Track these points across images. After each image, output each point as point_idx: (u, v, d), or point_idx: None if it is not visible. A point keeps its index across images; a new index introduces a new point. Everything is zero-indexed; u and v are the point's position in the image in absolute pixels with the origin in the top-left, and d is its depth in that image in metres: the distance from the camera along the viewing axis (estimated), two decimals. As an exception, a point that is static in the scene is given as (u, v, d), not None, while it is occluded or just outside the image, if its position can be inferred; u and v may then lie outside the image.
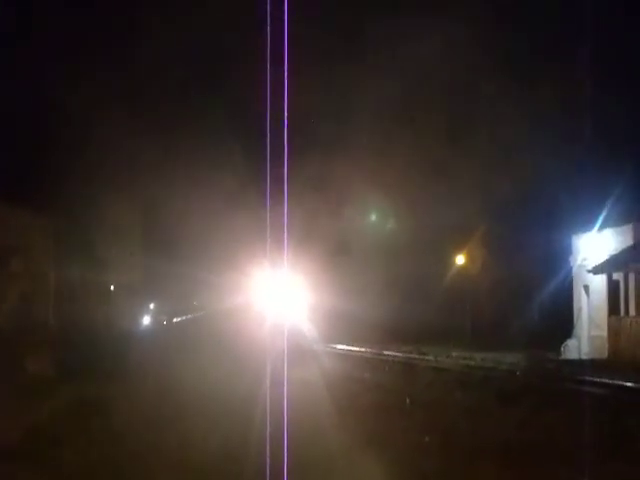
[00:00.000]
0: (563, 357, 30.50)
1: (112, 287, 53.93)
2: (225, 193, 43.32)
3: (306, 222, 36.51)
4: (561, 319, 34.75)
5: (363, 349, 33.36)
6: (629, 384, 18.41)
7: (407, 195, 41.23)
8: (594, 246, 31.68)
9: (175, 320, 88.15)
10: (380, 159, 40.64)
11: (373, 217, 45.87)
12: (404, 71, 39.61)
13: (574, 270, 33.92)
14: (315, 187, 37.33)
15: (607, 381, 19.02)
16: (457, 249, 45.05)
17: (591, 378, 19.44)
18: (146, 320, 70.50)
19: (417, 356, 30.23)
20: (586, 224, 32.07)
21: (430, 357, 29.39)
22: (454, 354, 31.02)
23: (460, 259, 44.67)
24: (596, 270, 30.71)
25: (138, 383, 18.28)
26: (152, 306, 76.78)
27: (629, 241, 30.08)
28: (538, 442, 11.41)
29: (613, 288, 29.87)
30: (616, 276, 29.83)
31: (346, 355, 31.22)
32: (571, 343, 31.95)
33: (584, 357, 29.90)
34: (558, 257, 35.53)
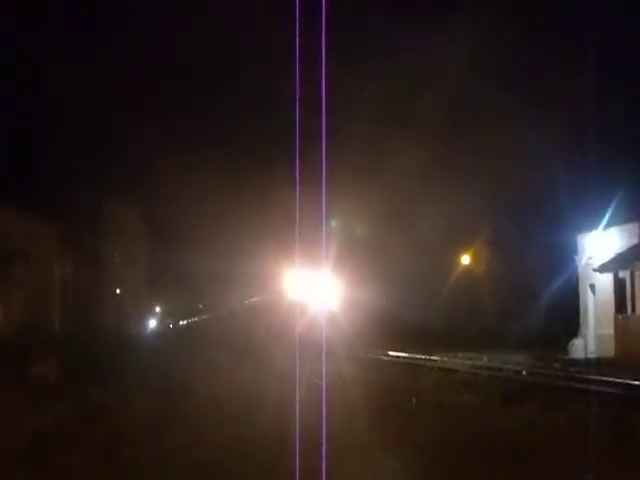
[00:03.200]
0: (570, 356, 30.39)
1: (118, 291, 53.87)
2: (239, 185, 43.29)
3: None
4: (567, 318, 34.67)
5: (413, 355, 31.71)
6: (636, 382, 18.31)
7: (419, 196, 41.22)
8: (600, 245, 31.60)
9: (182, 323, 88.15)
10: (380, 161, 40.68)
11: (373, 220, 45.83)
12: (406, 72, 39.63)
13: (580, 269, 33.84)
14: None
15: (613, 380, 18.93)
16: (462, 250, 45.02)
17: (597, 377, 19.36)
18: (152, 324, 70.63)
19: (422, 356, 30.14)
20: (591, 223, 31.99)
21: (435, 357, 29.34)
22: (459, 354, 30.97)
23: (465, 259, 44.62)
24: (602, 269, 30.63)
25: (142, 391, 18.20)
26: (158, 309, 76.93)
27: (635, 239, 29.99)
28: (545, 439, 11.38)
29: (619, 286, 29.79)
30: (622, 274, 29.75)
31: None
32: (577, 342, 31.83)
33: (590, 356, 29.79)
34: (564, 256, 35.45)
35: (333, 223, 43.27)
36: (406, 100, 40.86)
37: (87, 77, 39.68)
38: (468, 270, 45.21)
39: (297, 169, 11.36)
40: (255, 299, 63.38)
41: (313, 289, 39.53)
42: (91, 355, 25.87)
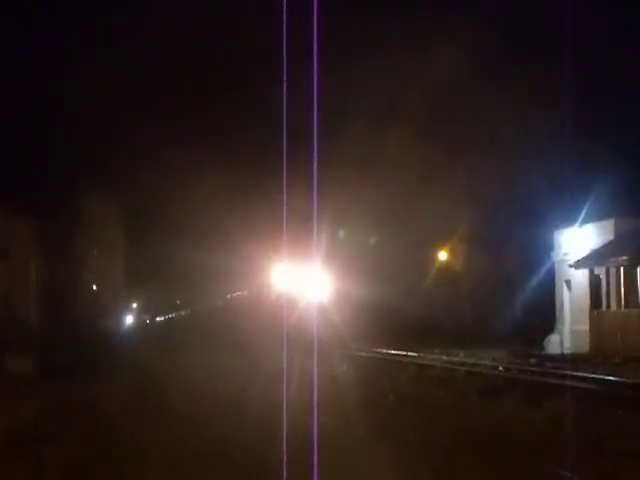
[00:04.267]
0: (545, 352, 30.61)
1: (95, 287, 53.58)
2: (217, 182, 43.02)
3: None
4: (544, 314, 34.91)
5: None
6: (610, 378, 18.50)
7: (396, 198, 41.30)
8: (576, 241, 31.84)
9: (158, 319, 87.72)
10: (361, 160, 40.72)
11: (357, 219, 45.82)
12: (382, 76, 39.70)
13: (556, 265, 34.09)
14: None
15: (586, 375, 19.13)
16: (440, 246, 45.18)
17: (571, 372, 19.52)
18: (129, 319, 70.31)
19: (400, 352, 30.24)
20: (568, 220, 32.23)
21: (413, 353, 29.44)
22: (436, 350, 31.10)
23: (443, 255, 44.80)
24: (577, 265, 30.87)
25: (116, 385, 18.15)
26: (135, 305, 76.59)
27: (610, 236, 30.25)
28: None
29: (594, 282, 30.04)
30: (597, 270, 30.00)
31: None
32: (553, 338, 32.08)
33: (566, 351, 30.01)
34: (541, 253, 35.70)
35: (341, 233, 43.60)
36: (384, 99, 40.93)
37: (57, 72, 39.36)
38: (446, 267, 45.38)
39: (284, 161, 11.29)
40: (239, 293, 62.53)
41: (300, 282, 39.37)
42: (64, 351, 25.74)
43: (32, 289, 37.49)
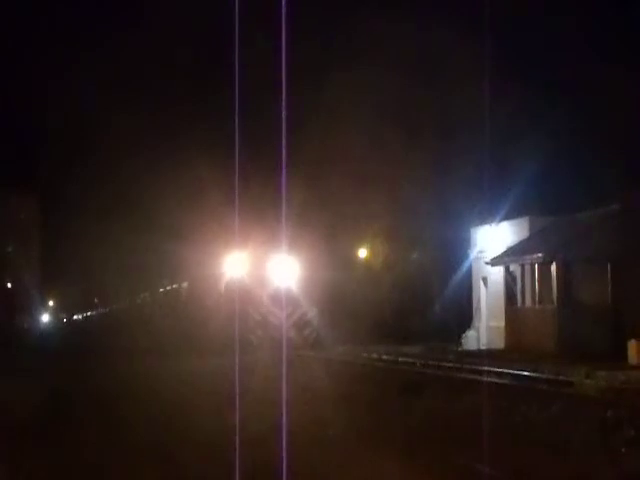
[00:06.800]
0: (462, 348, 31.05)
1: (9, 285, 52.35)
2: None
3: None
4: (462, 310, 35.36)
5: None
6: (524, 373, 18.86)
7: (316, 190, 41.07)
8: (492, 239, 32.35)
9: (76, 318, 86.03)
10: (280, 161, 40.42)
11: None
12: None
13: (473, 262, 34.57)
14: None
15: (501, 370, 19.47)
16: (360, 246, 45.32)
17: (483, 367, 19.82)
18: (45, 318, 68.85)
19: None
20: (485, 217, 32.72)
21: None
22: (352, 347, 31.18)
23: (363, 252, 45.00)
24: (494, 262, 31.36)
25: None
26: (51, 303, 75.06)
27: (525, 233, 30.84)
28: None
29: (510, 279, 30.54)
30: (513, 268, 30.52)
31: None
32: (470, 334, 32.57)
33: (482, 347, 30.50)
34: (460, 250, 36.14)
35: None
36: (318, 92, 40.77)
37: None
38: (366, 265, 45.58)
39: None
40: (176, 286, 54.92)
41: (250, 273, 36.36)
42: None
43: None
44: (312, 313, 35.95)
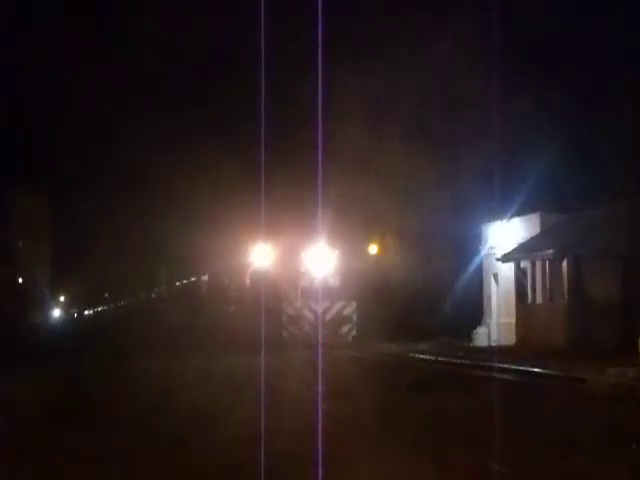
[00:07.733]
0: (473, 344, 31.04)
1: (20, 280, 52.55)
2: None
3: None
4: (473, 307, 35.33)
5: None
6: (535, 369, 18.84)
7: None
8: (503, 235, 32.30)
9: (86, 313, 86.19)
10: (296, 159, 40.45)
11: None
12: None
13: (484, 259, 34.54)
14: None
15: (511, 367, 19.45)
16: (371, 242, 45.29)
17: (495, 364, 19.80)
18: (56, 313, 69.12)
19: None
20: (496, 213, 32.65)
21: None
22: (366, 344, 31.25)
23: (373, 249, 44.99)
24: (504, 258, 31.32)
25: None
26: (62, 298, 75.29)
27: (536, 229, 30.79)
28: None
29: (521, 276, 30.49)
30: (523, 264, 30.46)
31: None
32: (481, 330, 32.52)
33: (493, 344, 30.46)
34: (471, 246, 36.10)
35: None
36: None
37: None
38: (377, 261, 45.56)
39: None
40: (194, 279, 51.63)
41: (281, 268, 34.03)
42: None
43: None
44: (351, 308, 34.79)
